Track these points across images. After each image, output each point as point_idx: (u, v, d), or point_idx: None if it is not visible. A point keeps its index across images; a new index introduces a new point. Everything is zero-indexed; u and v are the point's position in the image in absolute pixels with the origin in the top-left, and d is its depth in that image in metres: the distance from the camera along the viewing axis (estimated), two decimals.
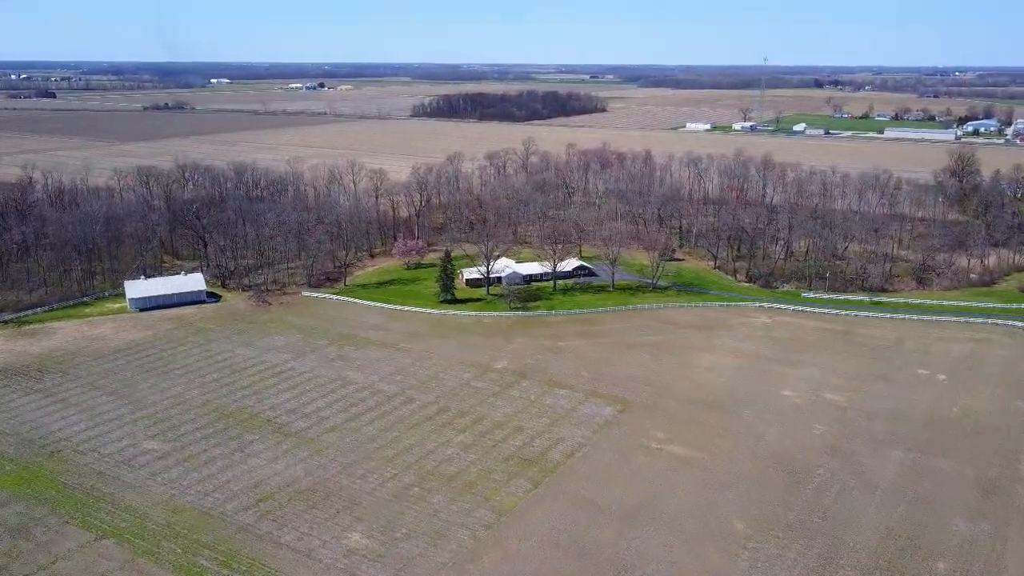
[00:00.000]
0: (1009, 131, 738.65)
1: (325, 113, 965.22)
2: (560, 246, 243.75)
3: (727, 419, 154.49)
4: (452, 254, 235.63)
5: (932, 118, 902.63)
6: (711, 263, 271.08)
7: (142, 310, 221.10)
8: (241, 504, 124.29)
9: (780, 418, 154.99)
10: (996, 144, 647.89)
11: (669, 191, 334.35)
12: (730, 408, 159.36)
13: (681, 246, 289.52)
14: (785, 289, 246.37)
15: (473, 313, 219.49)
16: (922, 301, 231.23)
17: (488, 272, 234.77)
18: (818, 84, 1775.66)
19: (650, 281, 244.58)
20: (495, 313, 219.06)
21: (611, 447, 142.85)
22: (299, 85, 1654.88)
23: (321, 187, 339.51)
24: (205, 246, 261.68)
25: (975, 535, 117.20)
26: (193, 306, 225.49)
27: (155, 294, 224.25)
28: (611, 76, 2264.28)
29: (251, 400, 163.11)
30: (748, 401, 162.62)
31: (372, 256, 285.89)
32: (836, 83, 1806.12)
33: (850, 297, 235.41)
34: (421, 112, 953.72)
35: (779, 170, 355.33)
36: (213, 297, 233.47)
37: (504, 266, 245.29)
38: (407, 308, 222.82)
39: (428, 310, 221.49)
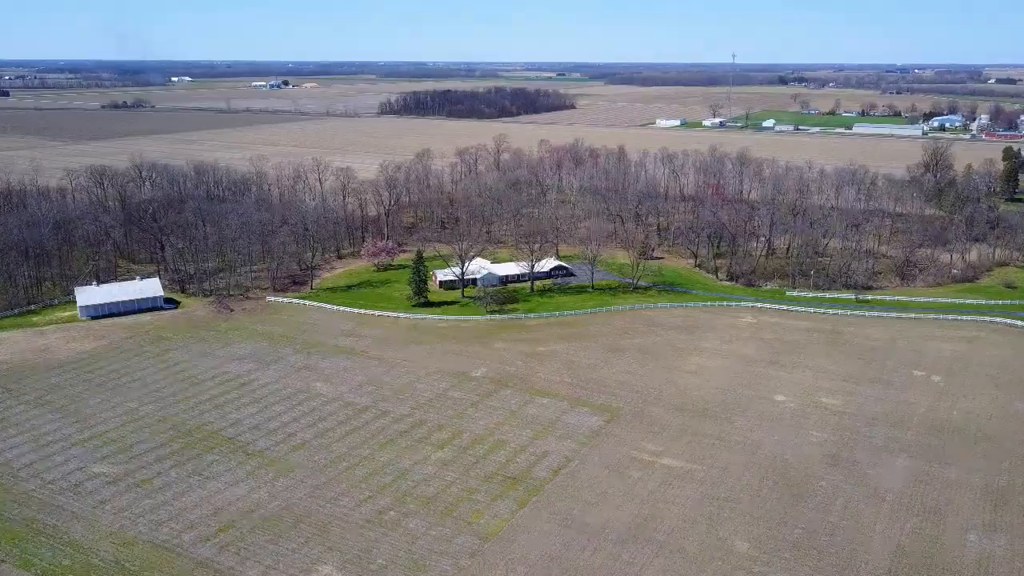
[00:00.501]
0: (974, 126, 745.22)
1: (290, 111, 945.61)
2: (538, 245, 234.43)
3: (720, 427, 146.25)
4: (424, 255, 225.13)
5: (898, 114, 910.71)
6: (691, 261, 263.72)
7: (94, 318, 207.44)
8: (199, 535, 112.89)
9: (775, 425, 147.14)
10: (962, 139, 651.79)
11: (645, 188, 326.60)
12: (722, 415, 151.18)
13: (659, 244, 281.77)
14: (768, 288, 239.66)
15: (448, 317, 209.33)
16: (908, 299, 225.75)
17: (463, 273, 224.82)
18: (783, 81, 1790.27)
19: (631, 281, 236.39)
20: (471, 317, 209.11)
21: (601, 461, 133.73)
22: (263, 83, 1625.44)
23: (286, 186, 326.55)
24: (162, 249, 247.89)
25: (992, 550, 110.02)
26: (149, 313, 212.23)
27: (108, 301, 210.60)
28: (577, 74, 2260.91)
29: (211, 416, 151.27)
30: (740, 407, 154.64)
31: (340, 257, 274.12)
32: (800, 80, 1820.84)
33: (835, 295, 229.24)
34: (388, 110, 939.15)
35: (755, 166, 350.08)
36: (171, 303, 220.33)
37: (479, 267, 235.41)
38: (378, 312, 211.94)
39: (400, 314, 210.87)
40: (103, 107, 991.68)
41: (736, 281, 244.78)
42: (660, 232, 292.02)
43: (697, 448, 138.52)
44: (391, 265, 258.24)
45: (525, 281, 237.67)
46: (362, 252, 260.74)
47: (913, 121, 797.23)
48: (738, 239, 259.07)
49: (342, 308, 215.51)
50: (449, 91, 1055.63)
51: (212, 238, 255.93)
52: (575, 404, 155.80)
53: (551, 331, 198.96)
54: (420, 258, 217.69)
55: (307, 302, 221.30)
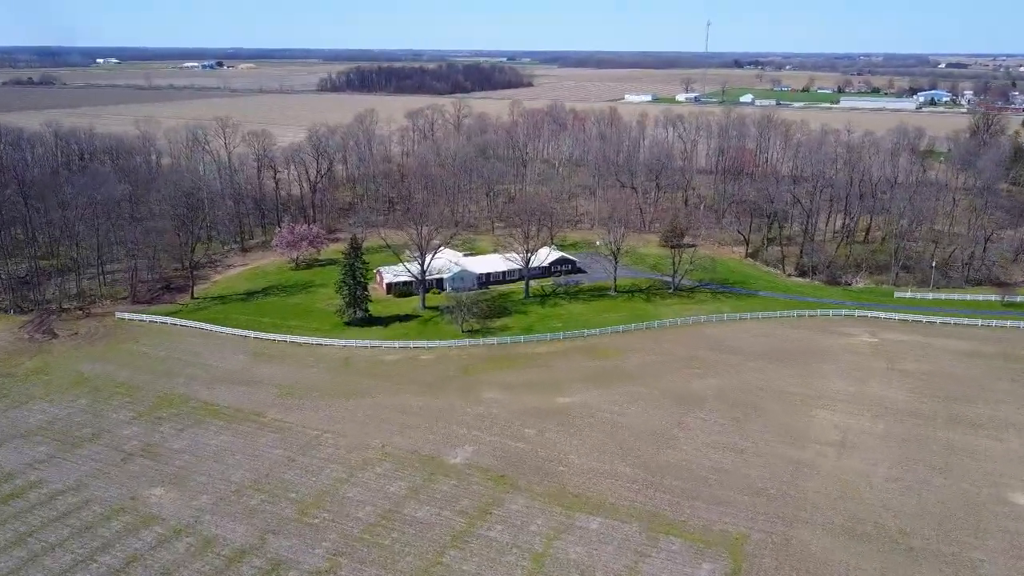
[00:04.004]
0: (963, 100, 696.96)
1: (218, 88, 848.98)
2: (534, 229, 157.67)
3: None
4: (364, 245, 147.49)
5: (876, 90, 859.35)
6: (740, 250, 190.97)
7: None
8: None
9: None
10: (959, 112, 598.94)
11: (656, 156, 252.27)
12: (947, 550, 77.65)
13: (688, 227, 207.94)
14: (861, 287, 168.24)
15: (400, 344, 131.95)
16: None
17: (424, 272, 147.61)
18: (738, 64, 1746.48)
19: (667, 279, 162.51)
20: (438, 342, 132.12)
21: None
22: (195, 64, 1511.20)
23: (181, 154, 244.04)
24: None
25: None
26: None
27: None
28: (527, 59, 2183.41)
29: None
30: (967, 524, 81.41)
31: (245, 251, 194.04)
32: (756, 63, 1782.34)
33: (964, 296, 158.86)
34: (329, 86, 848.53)
35: (783, 128, 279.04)
36: None
37: (448, 262, 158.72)
38: (289, 337, 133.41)
39: (324, 340, 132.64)
40: (4, 84, 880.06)
41: (811, 277, 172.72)
42: (688, 208, 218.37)
43: None
44: (317, 260, 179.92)
45: (514, 281, 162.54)
46: (274, 242, 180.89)
47: (899, 95, 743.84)
48: (812, 219, 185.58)
49: (233, 331, 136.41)
50: (395, 67, 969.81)
51: (55, 223, 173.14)
52: (655, 529, 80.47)
53: (570, 365, 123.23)
54: (356, 249, 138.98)
55: (181, 321, 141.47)
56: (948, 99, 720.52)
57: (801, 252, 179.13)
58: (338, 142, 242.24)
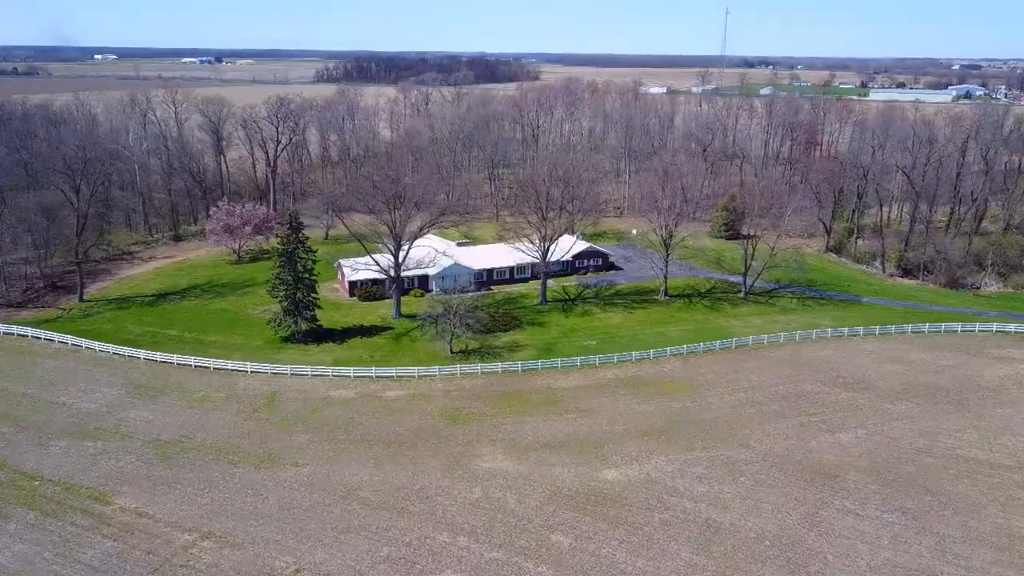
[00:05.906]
0: (999, 95, 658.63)
1: (209, 78, 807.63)
2: (553, 212, 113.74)
3: None
4: (333, 233, 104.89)
5: (902, 85, 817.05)
6: (815, 244, 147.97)
7: None
8: None
9: None
10: (1000, 104, 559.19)
11: (697, 129, 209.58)
12: None
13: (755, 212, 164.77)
14: (995, 291, 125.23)
15: (359, 372, 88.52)
16: None
17: (399, 266, 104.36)
18: (748, 64, 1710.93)
19: (735, 279, 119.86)
20: (415, 369, 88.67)
21: None
22: (193, 60, 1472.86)
23: (118, 123, 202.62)
24: None
25: None
26: None
27: None
28: (533, 60, 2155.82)
29: None
30: None
31: (179, 239, 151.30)
32: (767, 64, 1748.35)
33: None
34: (326, 77, 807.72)
35: (843, 105, 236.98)
36: None
37: (435, 253, 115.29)
38: (195, 360, 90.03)
39: (246, 364, 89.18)
40: None
41: (921, 278, 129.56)
42: (744, 190, 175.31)
43: None
44: (265, 252, 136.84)
45: (525, 280, 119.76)
46: (209, 226, 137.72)
47: (934, 87, 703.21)
48: (919, 203, 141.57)
49: (119, 349, 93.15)
50: (396, 58, 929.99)
51: None
52: None
53: (616, 409, 79.95)
54: (297, 231, 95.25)
55: (46, 334, 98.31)
56: (983, 93, 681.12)
57: (906, 245, 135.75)
58: (315, 115, 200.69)
